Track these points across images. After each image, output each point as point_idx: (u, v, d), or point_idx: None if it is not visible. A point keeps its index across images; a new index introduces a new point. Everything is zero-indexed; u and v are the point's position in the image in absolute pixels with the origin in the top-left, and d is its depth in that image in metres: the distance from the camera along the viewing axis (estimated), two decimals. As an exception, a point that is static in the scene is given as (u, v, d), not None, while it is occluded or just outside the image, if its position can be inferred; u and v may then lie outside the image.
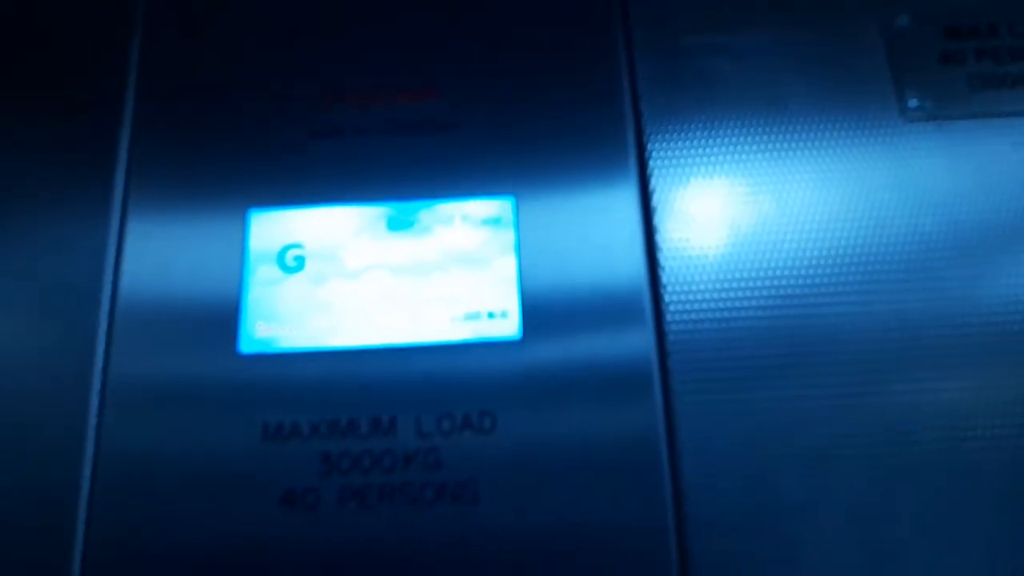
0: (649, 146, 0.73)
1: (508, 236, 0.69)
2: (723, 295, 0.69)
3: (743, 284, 0.69)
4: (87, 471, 0.62)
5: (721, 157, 0.73)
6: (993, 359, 0.68)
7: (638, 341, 0.66)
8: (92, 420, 0.63)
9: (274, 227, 0.69)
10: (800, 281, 0.69)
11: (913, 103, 0.76)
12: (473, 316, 0.67)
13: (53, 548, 0.61)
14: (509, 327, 0.67)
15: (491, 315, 0.67)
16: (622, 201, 0.71)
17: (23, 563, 0.61)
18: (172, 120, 0.73)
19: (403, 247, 0.69)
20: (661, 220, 0.71)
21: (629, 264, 0.68)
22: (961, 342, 0.68)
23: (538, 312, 0.67)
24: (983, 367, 0.67)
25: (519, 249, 0.69)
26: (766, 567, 0.62)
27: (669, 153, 0.73)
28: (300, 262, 0.68)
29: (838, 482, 0.64)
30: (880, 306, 0.68)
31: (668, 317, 0.67)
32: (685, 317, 0.68)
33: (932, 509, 0.63)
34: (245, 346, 0.66)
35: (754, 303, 0.68)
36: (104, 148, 0.72)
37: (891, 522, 0.63)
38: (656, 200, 0.71)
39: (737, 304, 0.68)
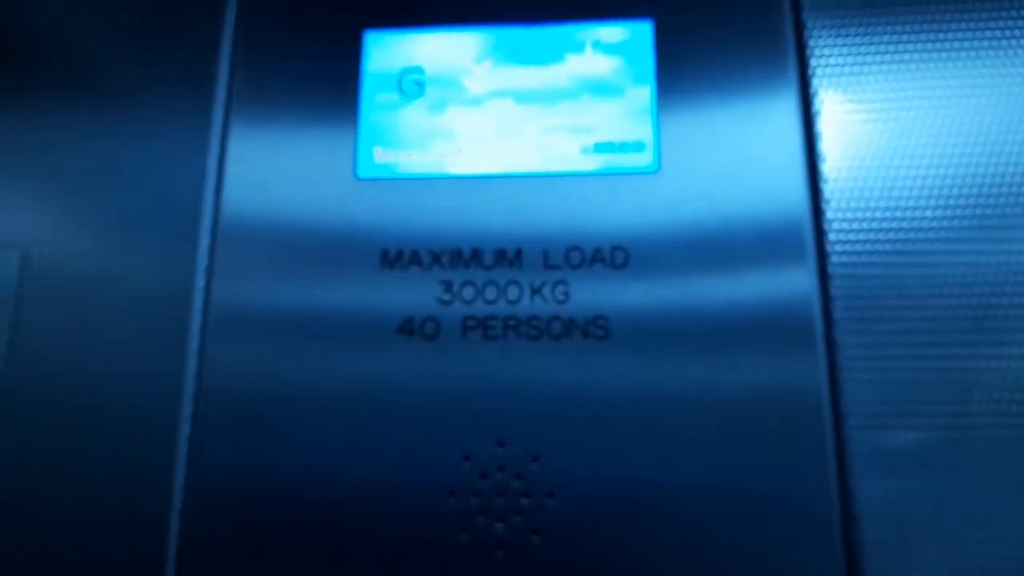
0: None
1: (645, 64, 0.63)
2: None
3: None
4: (199, 308, 0.60)
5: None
6: None
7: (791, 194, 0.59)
8: (202, 263, 0.61)
9: (392, 50, 0.65)
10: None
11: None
12: (605, 147, 0.61)
13: (162, 409, 0.59)
14: (644, 159, 0.61)
15: (624, 146, 0.61)
16: (771, 43, 0.63)
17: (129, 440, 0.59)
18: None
19: (529, 74, 0.64)
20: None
21: (778, 142, 0.61)
22: None
23: (677, 145, 0.61)
24: None
25: (655, 78, 0.62)
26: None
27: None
28: (420, 87, 0.64)
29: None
30: None
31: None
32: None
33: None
34: (363, 171, 0.62)
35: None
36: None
37: None
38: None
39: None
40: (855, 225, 0.59)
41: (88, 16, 0.68)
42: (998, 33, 0.63)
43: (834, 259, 0.58)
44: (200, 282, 0.60)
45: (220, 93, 0.64)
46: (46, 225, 0.63)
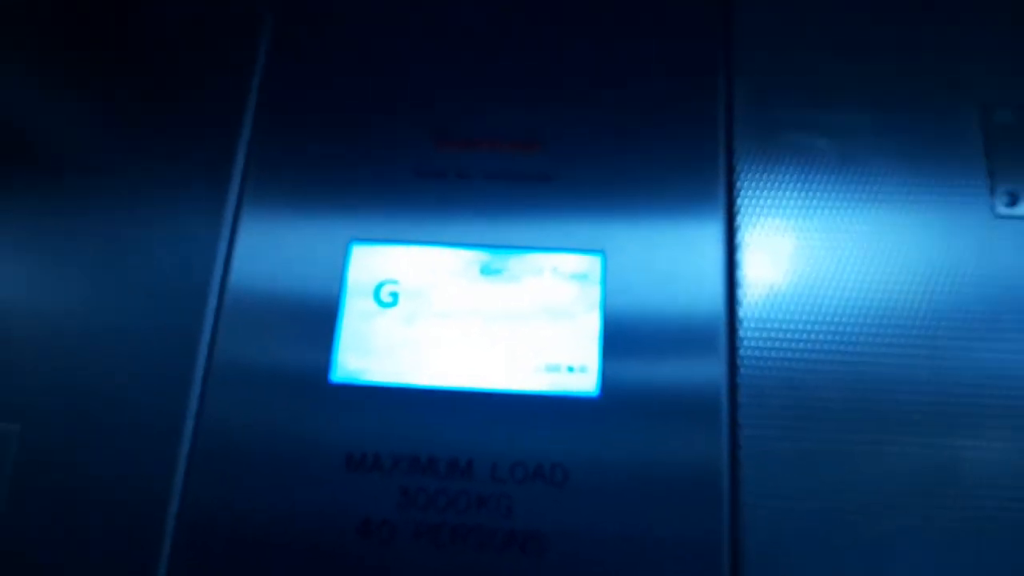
0: (739, 201, 0.75)
1: (595, 292, 0.72)
2: (796, 336, 0.71)
3: (815, 329, 0.71)
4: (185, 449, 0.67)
5: (806, 216, 0.75)
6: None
7: (712, 373, 0.68)
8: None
9: (373, 261, 0.72)
10: (868, 334, 0.71)
11: (1004, 197, 0.76)
12: (554, 368, 0.70)
13: (147, 519, 0.66)
14: (588, 382, 0.69)
15: (571, 369, 0.69)
16: (708, 265, 0.72)
17: (118, 534, 0.65)
18: (287, 139, 0.76)
19: (493, 293, 0.72)
20: (743, 273, 0.73)
21: (710, 308, 0.71)
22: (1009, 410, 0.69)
23: (617, 370, 0.69)
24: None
25: (604, 306, 0.71)
26: None
27: (758, 206, 0.75)
28: (395, 298, 0.71)
29: (896, 535, 0.66)
30: (936, 368, 0.70)
31: (742, 351, 0.70)
32: (758, 353, 0.70)
33: (985, 564, 0.65)
34: (336, 376, 0.69)
35: (824, 347, 0.71)
36: (222, 157, 0.75)
37: (929, 552, 0.66)
38: (740, 254, 0.73)
39: (808, 347, 0.71)
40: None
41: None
42: (897, 208, 0.75)
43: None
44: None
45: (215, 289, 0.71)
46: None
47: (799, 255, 0.75)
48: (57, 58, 0.81)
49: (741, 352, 0.70)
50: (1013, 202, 0.76)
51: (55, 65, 0.81)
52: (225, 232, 0.73)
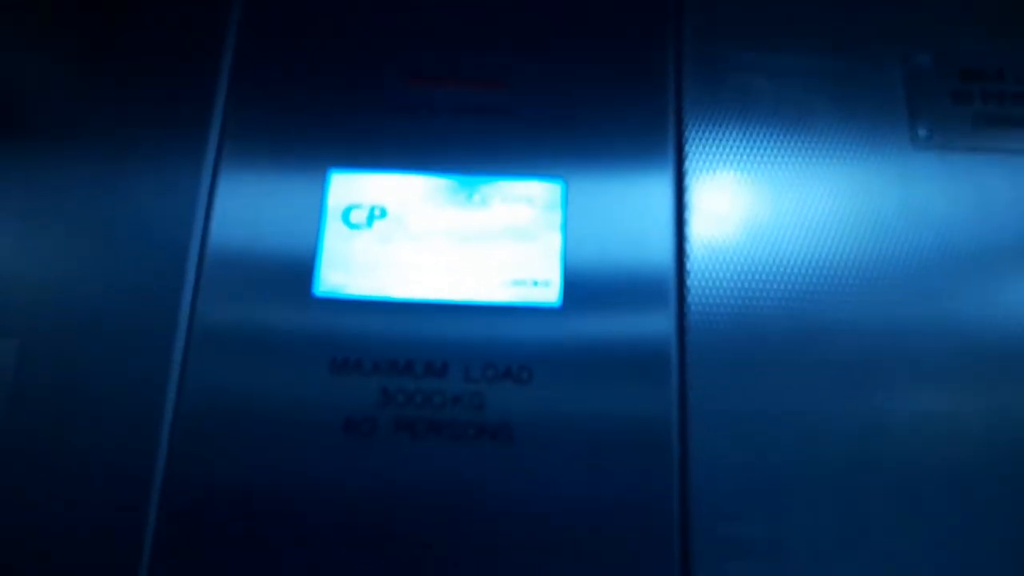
0: (687, 147, 0.82)
1: (556, 216, 0.78)
2: (741, 286, 0.78)
3: (758, 278, 0.78)
4: (170, 403, 0.71)
5: (750, 161, 0.82)
6: (970, 371, 0.77)
7: (661, 319, 0.75)
8: (177, 355, 0.72)
9: (350, 187, 0.78)
10: (807, 281, 0.78)
11: (923, 133, 0.85)
12: (520, 283, 0.76)
13: (132, 480, 0.70)
14: (550, 295, 0.76)
15: (536, 283, 0.76)
16: (658, 193, 0.80)
17: (104, 496, 0.69)
18: (266, 79, 0.81)
19: (462, 216, 0.78)
20: (691, 214, 0.80)
21: (660, 250, 0.78)
22: (943, 352, 0.77)
23: (577, 285, 0.76)
24: (962, 377, 0.76)
25: (565, 228, 0.78)
26: (762, 543, 0.71)
27: (705, 152, 0.82)
28: (370, 221, 0.77)
29: (845, 489, 0.72)
30: (874, 311, 0.78)
31: (690, 300, 0.77)
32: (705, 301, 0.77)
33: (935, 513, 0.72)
34: (319, 290, 0.75)
35: (766, 296, 0.78)
36: (201, 102, 0.80)
37: (872, 502, 0.73)
38: (688, 196, 0.80)
39: (752, 295, 0.78)
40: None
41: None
42: (830, 150, 0.83)
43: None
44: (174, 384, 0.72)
45: (199, 226, 0.77)
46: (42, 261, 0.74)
47: (745, 201, 0.82)
48: (30, 18, 0.83)
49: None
50: (929, 138, 0.85)
51: (26, 25, 0.83)
52: (209, 161, 0.78)
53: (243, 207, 0.77)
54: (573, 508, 0.69)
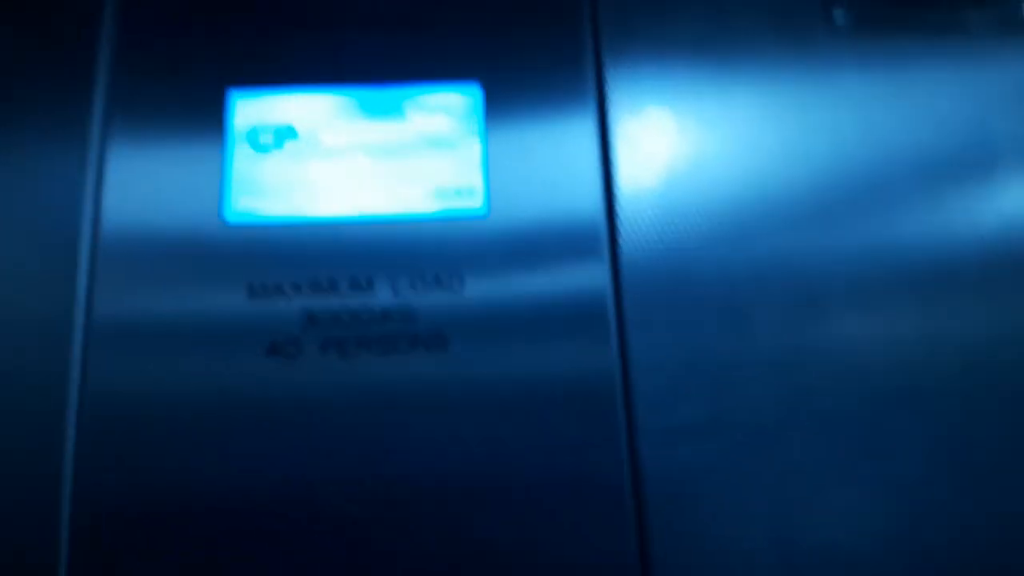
0: (602, 36, 0.80)
1: (474, 124, 0.75)
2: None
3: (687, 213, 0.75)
4: (80, 325, 0.67)
5: (672, 82, 0.79)
6: (907, 292, 0.74)
7: (589, 205, 0.73)
8: (82, 281, 0.68)
9: (255, 108, 0.74)
10: (741, 215, 0.75)
11: (839, 18, 0.84)
12: (442, 193, 0.73)
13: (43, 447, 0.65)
14: (475, 202, 0.73)
15: (458, 192, 0.73)
16: (577, 91, 0.77)
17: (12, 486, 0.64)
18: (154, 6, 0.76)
19: (376, 129, 0.75)
20: (611, 107, 0.78)
21: (582, 148, 0.75)
22: (881, 274, 0.74)
23: (500, 191, 0.73)
24: (899, 300, 0.74)
25: (485, 134, 0.75)
26: (716, 496, 0.68)
27: (623, 68, 0.80)
28: (280, 141, 0.74)
29: (793, 438, 0.69)
30: (833, 241, 0.74)
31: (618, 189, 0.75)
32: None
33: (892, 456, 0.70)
34: (230, 216, 0.71)
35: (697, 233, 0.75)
36: (86, 28, 0.75)
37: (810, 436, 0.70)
38: (607, 88, 0.78)
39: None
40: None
41: None
42: (750, 54, 0.80)
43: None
44: (81, 301, 0.67)
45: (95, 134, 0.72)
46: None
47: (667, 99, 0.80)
48: None
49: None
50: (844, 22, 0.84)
51: None
52: (100, 98, 0.73)
53: (141, 142, 0.73)
54: (513, 406, 0.67)
